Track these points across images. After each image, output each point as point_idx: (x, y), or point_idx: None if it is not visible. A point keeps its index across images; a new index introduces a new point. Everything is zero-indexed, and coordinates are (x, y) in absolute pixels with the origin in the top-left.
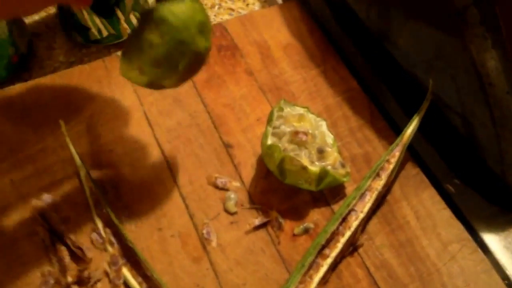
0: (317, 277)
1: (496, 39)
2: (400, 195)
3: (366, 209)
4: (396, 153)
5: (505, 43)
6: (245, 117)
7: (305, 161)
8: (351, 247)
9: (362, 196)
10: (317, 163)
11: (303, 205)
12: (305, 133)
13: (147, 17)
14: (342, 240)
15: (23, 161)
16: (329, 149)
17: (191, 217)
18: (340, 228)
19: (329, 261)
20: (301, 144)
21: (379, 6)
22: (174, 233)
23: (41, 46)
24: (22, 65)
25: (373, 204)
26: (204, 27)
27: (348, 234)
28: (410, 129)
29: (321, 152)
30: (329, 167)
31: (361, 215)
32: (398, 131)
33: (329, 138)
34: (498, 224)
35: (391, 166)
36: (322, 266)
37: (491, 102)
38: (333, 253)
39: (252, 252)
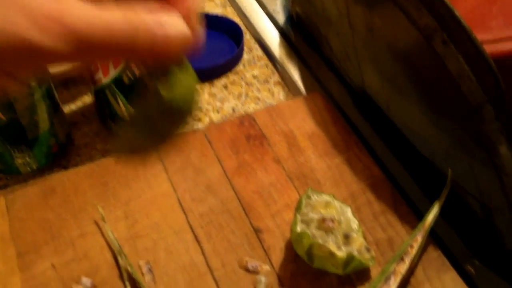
0: None
1: (510, 134)
2: (423, 277)
3: None
4: (418, 237)
5: None
6: (274, 203)
7: (332, 247)
8: None
9: (387, 279)
10: (343, 248)
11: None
12: (332, 220)
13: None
14: None
15: (64, 246)
16: (355, 235)
17: None
18: None
19: None
20: (328, 230)
21: (398, 99)
22: None
23: (78, 134)
24: (61, 153)
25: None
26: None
27: None
28: (431, 216)
29: (347, 238)
30: (355, 252)
31: None
32: (420, 215)
33: (354, 223)
34: None
35: (414, 251)
36: None
37: (507, 190)
38: None
39: None
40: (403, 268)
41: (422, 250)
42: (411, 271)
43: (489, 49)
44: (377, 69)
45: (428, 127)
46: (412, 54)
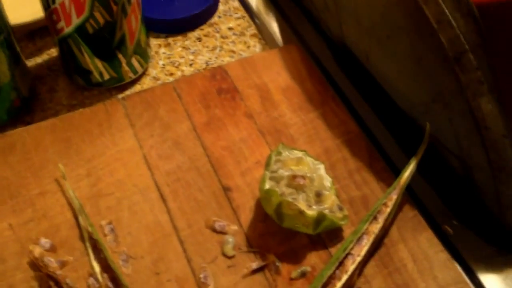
0: None
1: (492, 84)
2: (397, 237)
3: (363, 252)
4: (394, 196)
5: (499, 89)
6: (244, 160)
7: (302, 205)
8: None
9: (360, 239)
10: (314, 206)
11: (301, 248)
12: (303, 177)
13: None
14: (339, 285)
15: (22, 205)
16: (327, 193)
17: (189, 261)
18: (337, 272)
19: None
20: (299, 188)
21: (377, 50)
22: (171, 278)
23: (43, 89)
24: (24, 108)
25: (370, 248)
26: None
27: (345, 278)
28: (407, 173)
29: (319, 196)
30: (326, 211)
31: (358, 259)
32: (397, 172)
33: (327, 181)
34: (497, 265)
35: (388, 209)
36: None
37: (487, 145)
38: None
39: None
40: (376, 227)
41: (398, 209)
42: (385, 231)
43: None
44: (355, 18)
45: (406, 78)
46: (390, 1)
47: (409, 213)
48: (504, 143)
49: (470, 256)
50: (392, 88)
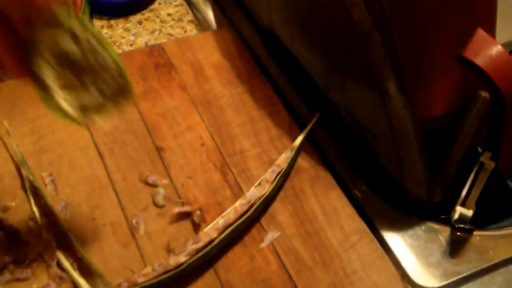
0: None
1: (393, 60)
2: (310, 193)
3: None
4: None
5: (401, 64)
6: (177, 125)
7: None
8: None
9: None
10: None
11: (224, 200)
12: None
13: None
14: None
15: None
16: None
17: (122, 209)
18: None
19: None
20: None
21: (300, 35)
22: (106, 222)
23: None
24: None
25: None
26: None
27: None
28: (298, 141)
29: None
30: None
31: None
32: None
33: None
34: (398, 224)
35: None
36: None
37: (390, 115)
38: None
39: (176, 239)
40: (272, 176)
41: (312, 170)
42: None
43: None
44: (283, 6)
45: (324, 59)
46: None
47: (322, 174)
48: (404, 113)
49: (375, 215)
50: (313, 68)
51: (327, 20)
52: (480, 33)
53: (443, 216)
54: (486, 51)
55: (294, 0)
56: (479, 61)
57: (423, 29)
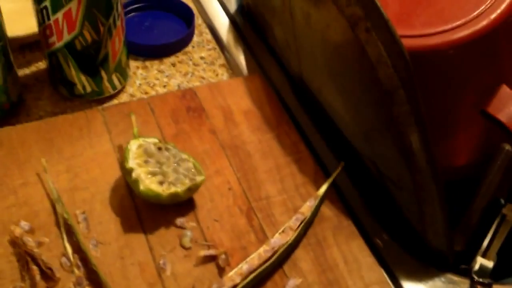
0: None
1: (417, 116)
2: (332, 242)
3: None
4: (309, 204)
5: (425, 120)
6: (206, 168)
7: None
8: None
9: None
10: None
11: (249, 245)
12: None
13: None
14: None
15: (6, 192)
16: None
17: (150, 249)
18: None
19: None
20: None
21: (328, 85)
22: (134, 262)
23: (30, 96)
24: (12, 112)
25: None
26: None
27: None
28: (322, 189)
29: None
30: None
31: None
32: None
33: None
34: (418, 275)
35: (307, 214)
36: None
37: (413, 169)
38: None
39: (201, 281)
40: (295, 224)
41: (335, 219)
42: (307, 227)
43: (407, 42)
44: (312, 56)
45: (351, 110)
46: (339, 42)
47: (344, 223)
48: (426, 168)
49: (396, 266)
50: (339, 118)
51: (353, 73)
52: (505, 89)
53: (463, 266)
54: (510, 107)
55: (323, 52)
56: (503, 117)
57: (449, 86)
